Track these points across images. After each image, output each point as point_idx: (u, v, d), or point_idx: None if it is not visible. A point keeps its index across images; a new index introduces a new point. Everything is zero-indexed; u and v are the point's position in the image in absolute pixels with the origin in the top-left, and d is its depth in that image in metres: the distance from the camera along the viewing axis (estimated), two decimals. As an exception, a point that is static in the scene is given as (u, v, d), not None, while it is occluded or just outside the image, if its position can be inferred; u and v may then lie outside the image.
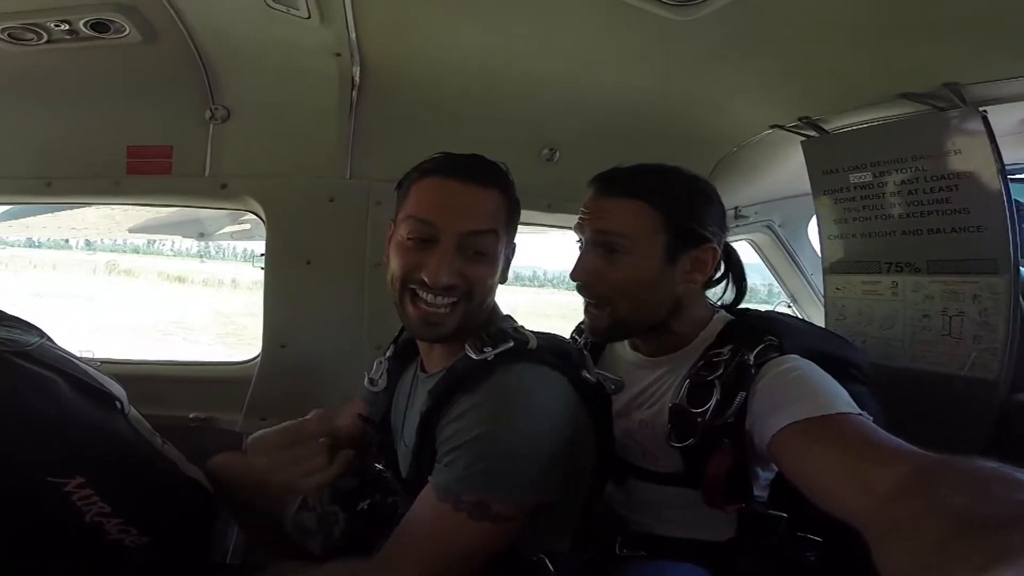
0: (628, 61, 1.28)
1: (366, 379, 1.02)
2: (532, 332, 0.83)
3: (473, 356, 0.76)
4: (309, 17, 1.15)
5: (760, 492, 0.90)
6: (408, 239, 0.81)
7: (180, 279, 22.80)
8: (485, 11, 1.17)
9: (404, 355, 1.00)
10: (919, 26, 0.99)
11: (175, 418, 1.43)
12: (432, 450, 0.78)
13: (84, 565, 0.89)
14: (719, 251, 0.95)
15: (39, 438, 0.84)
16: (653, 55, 1.24)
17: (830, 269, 1.47)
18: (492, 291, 0.86)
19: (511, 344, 0.77)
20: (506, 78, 1.39)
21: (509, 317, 0.90)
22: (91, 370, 1.00)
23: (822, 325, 1.51)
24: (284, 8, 1.13)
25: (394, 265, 0.83)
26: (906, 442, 0.61)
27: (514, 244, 0.90)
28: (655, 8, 1.01)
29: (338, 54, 1.29)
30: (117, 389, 1.03)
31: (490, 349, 0.76)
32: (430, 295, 0.80)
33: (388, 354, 1.02)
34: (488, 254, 0.82)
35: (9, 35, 1.22)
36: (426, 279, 0.78)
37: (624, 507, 0.98)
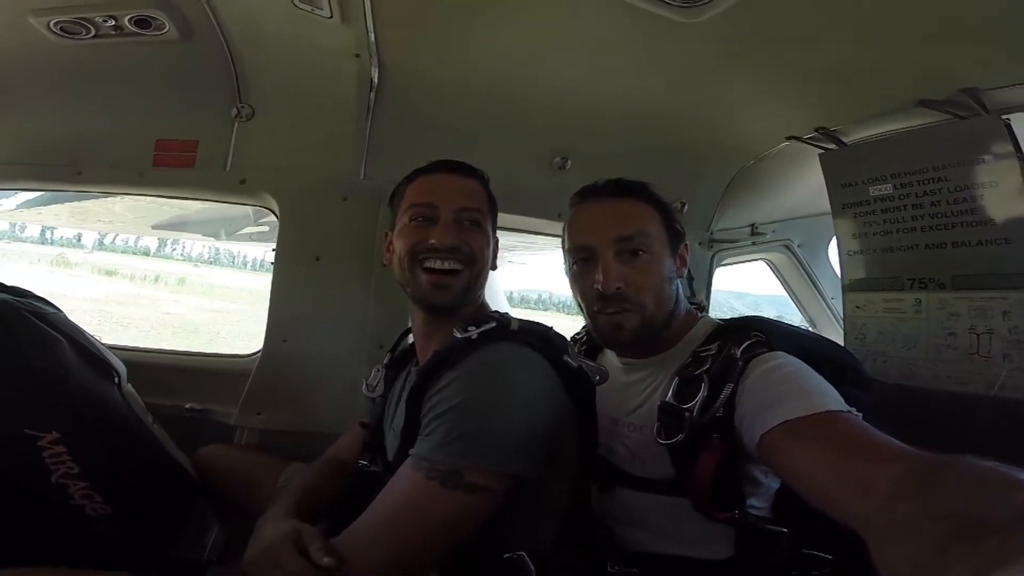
0: (639, 66, 1.29)
1: (364, 386, 1.08)
2: (515, 318, 0.85)
3: (458, 335, 0.81)
4: (331, 17, 1.20)
5: (762, 505, 0.85)
6: (411, 221, 0.93)
7: (109, 273, 26.84)
8: (500, 18, 1.20)
9: (400, 363, 1.06)
10: (934, 29, 0.97)
11: (171, 407, 1.43)
12: (417, 425, 0.78)
13: (41, 526, 0.89)
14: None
15: (29, 388, 0.86)
16: (664, 60, 1.25)
17: (850, 287, 1.41)
18: (487, 266, 0.96)
19: (493, 325, 0.82)
20: (519, 85, 1.41)
21: (497, 311, 0.92)
22: (98, 343, 1.04)
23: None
24: (309, 8, 1.19)
25: (400, 246, 0.93)
26: None
27: (497, 238, 1.01)
28: (661, 10, 1.03)
29: (358, 55, 1.34)
30: (118, 363, 1.06)
31: (474, 329, 0.81)
32: (438, 260, 0.90)
33: (385, 362, 1.08)
34: (481, 226, 0.94)
35: (61, 28, 1.31)
36: (434, 242, 0.89)
37: (616, 521, 0.94)
